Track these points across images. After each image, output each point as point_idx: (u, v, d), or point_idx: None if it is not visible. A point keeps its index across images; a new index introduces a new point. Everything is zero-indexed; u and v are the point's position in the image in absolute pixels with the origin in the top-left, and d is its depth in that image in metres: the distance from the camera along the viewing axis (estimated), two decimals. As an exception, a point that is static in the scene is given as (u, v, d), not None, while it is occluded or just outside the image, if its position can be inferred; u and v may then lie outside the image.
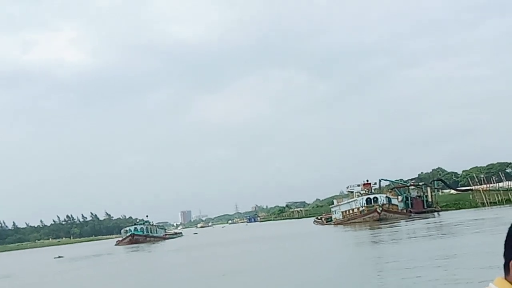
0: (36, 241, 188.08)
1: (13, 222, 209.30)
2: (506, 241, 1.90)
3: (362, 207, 70.26)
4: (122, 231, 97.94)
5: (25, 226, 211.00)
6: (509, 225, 1.89)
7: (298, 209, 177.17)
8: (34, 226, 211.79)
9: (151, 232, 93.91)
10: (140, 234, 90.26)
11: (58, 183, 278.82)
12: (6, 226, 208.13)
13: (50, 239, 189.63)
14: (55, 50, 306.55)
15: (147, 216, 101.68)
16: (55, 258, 57.30)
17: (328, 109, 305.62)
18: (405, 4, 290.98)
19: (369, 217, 67.53)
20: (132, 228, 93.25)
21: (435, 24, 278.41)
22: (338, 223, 74.38)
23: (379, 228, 49.91)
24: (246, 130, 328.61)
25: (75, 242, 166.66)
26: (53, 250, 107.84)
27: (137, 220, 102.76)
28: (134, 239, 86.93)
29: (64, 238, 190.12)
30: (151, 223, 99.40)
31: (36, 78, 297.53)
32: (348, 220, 71.61)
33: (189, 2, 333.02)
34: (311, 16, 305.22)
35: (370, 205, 69.46)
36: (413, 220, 59.07)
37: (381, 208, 67.28)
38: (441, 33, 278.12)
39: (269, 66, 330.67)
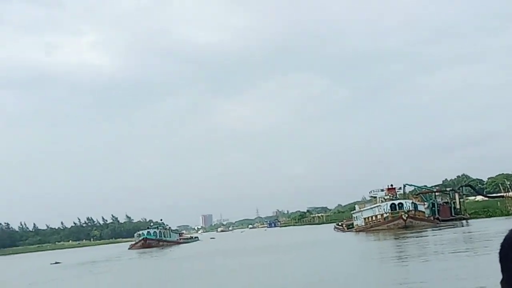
0: (56, 243, 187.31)
1: (34, 224, 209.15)
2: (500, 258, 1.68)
3: (386, 213, 65.70)
4: (135, 234, 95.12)
5: (45, 228, 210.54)
6: None
7: (319, 214, 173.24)
8: (54, 228, 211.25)
9: (164, 236, 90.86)
10: (153, 238, 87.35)
11: (79, 185, 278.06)
12: (27, 228, 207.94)
13: (70, 241, 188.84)
14: (77, 53, 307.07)
15: (161, 219, 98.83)
16: (51, 264, 54.32)
17: (349, 113, 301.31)
18: (424, 10, 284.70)
19: (393, 225, 63.04)
20: (145, 232, 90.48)
21: (454, 30, 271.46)
22: (360, 230, 70.08)
23: (404, 237, 45.44)
24: (266, 135, 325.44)
25: (95, 245, 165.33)
26: (67, 252, 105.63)
27: (151, 224, 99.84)
28: (146, 243, 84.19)
29: (84, 240, 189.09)
30: (165, 227, 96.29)
31: (58, 81, 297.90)
32: (371, 227, 67.20)
33: (209, 8, 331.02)
34: (330, 20, 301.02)
35: (395, 211, 64.88)
36: (440, 229, 54.49)
37: (406, 215, 62.74)
38: (460, 39, 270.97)
39: (288, 71, 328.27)
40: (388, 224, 63.90)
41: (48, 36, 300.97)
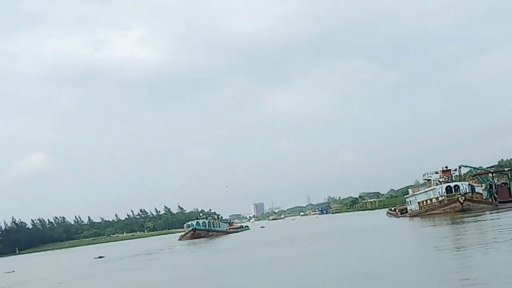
0: (111, 235, 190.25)
1: (89, 217, 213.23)
2: None
3: (442, 196, 62.62)
4: (185, 225, 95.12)
5: (100, 220, 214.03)
6: None
7: (372, 200, 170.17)
8: (109, 221, 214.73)
9: (213, 226, 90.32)
10: (202, 228, 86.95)
11: (131, 178, 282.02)
12: (82, 221, 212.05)
13: (125, 233, 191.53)
14: (126, 48, 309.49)
15: (210, 209, 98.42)
16: (95, 258, 53.89)
17: (399, 98, 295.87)
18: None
19: (450, 208, 60.00)
20: (194, 222, 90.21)
21: (506, 9, 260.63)
22: (414, 215, 67.29)
23: (462, 222, 42.69)
24: (316, 122, 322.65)
25: (148, 236, 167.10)
26: (118, 245, 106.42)
27: (200, 215, 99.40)
28: (196, 234, 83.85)
29: (138, 232, 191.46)
30: (214, 217, 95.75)
31: (107, 76, 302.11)
32: (426, 211, 64.31)
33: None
34: (377, 4, 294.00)
35: (451, 194, 61.76)
36: (500, 211, 51.29)
37: (463, 198, 59.66)
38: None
39: (335, 57, 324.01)
40: (444, 208, 60.97)
41: (97, 32, 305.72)
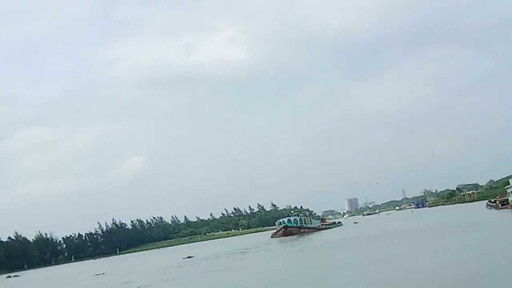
0: (207, 233, 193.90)
1: (185, 217, 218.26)
2: None
3: (546, 185, 58.91)
4: (276, 223, 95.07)
5: (196, 220, 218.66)
6: None
7: (470, 191, 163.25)
8: (204, 220, 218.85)
9: (305, 223, 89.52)
10: (294, 225, 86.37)
11: (225, 177, 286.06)
12: (179, 221, 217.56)
13: (220, 231, 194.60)
14: (215, 50, 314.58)
15: (301, 206, 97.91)
16: (184, 258, 54.13)
17: (495, 84, 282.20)
18: None
19: (555, 198, 56.26)
20: (285, 219, 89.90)
21: None
22: (516, 206, 63.56)
23: None
24: (408, 113, 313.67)
25: (243, 234, 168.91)
26: (212, 244, 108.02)
27: (291, 212, 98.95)
28: (287, 231, 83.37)
29: (233, 230, 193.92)
30: (306, 214, 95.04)
31: (198, 79, 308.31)
32: (529, 202, 60.64)
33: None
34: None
35: (555, 183, 57.93)
36: None
37: None
38: None
39: (427, 46, 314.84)
40: (549, 198, 57.15)
41: (187, 36, 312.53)
